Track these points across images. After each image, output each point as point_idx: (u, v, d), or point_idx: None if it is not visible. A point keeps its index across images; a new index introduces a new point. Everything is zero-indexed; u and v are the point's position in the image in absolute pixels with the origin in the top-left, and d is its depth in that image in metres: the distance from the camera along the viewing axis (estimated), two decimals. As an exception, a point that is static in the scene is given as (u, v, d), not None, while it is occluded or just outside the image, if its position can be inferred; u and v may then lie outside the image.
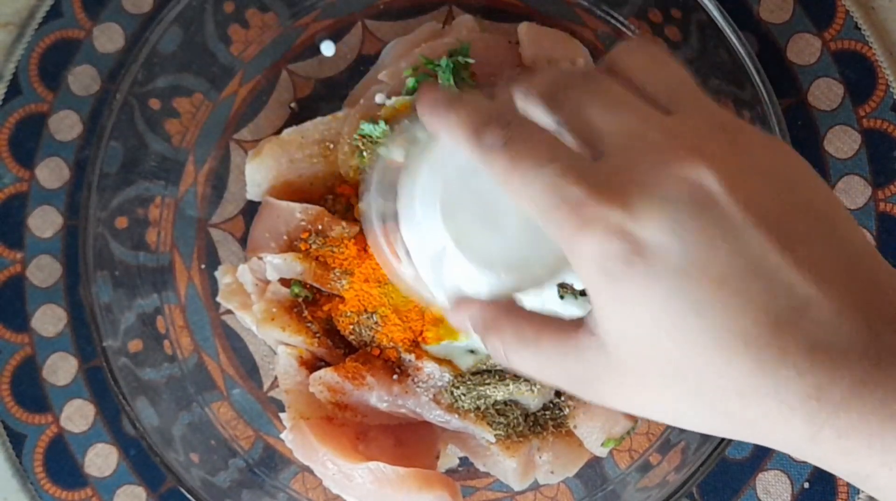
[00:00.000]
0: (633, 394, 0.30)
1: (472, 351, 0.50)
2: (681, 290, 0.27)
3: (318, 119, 0.52)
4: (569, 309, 0.49)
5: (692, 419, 0.30)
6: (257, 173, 0.52)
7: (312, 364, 0.50)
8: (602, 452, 0.50)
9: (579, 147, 0.29)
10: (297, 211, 0.50)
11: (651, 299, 0.28)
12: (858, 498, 0.53)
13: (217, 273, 0.53)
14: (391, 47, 0.54)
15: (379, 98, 0.51)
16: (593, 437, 0.50)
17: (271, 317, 0.50)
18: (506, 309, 0.34)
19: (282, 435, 0.49)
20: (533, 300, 0.38)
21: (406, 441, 0.49)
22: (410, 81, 0.50)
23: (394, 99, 0.49)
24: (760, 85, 0.46)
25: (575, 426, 0.50)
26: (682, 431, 0.50)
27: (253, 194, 0.53)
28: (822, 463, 0.29)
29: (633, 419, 0.50)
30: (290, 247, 0.50)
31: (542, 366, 0.32)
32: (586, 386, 0.32)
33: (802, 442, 0.28)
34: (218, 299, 0.52)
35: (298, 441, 0.47)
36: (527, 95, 0.31)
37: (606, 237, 0.27)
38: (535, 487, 0.52)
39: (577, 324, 0.31)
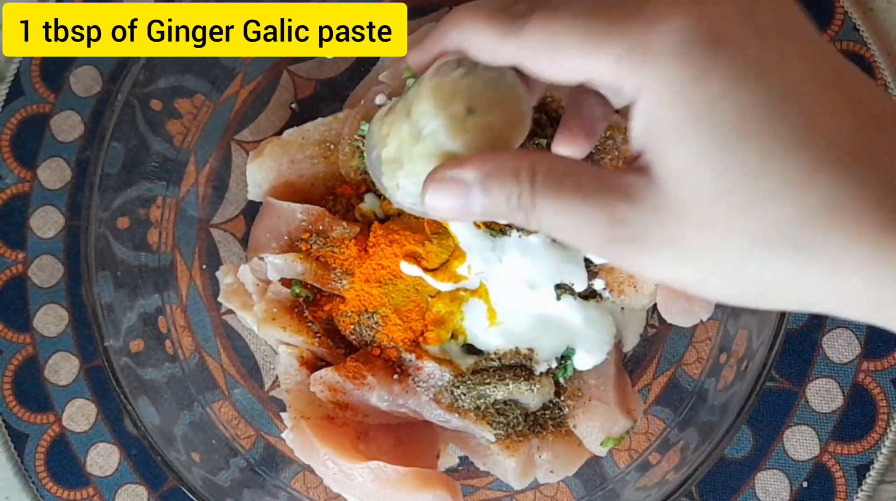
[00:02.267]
0: (685, 251, 0.27)
1: (471, 352, 0.50)
2: (765, 86, 0.25)
3: (319, 120, 0.52)
4: (569, 313, 0.50)
5: (752, 272, 0.26)
6: (258, 174, 0.52)
7: (313, 364, 0.51)
8: (601, 451, 0.50)
9: None
10: (298, 212, 0.50)
11: (736, 93, 0.25)
12: (857, 497, 0.53)
13: (218, 273, 0.53)
14: None
15: (379, 99, 0.51)
16: (592, 437, 0.50)
17: (272, 317, 0.50)
18: (535, 150, 0.31)
19: (283, 435, 0.49)
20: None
21: (406, 440, 0.49)
22: (410, 82, 0.50)
23: (394, 100, 0.49)
24: (759, 86, 0.46)
25: (574, 426, 0.50)
26: (681, 431, 0.50)
27: (254, 194, 0.53)
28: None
29: (633, 418, 0.50)
30: (291, 247, 0.51)
31: (577, 218, 0.28)
32: (628, 246, 0.27)
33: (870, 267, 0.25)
34: (219, 299, 0.52)
35: (299, 441, 0.48)
36: None
37: (687, 20, 0.25)
38: (535, 486, 0.52)
39: (624, 170, 0.28)
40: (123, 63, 0.56)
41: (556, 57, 0.28)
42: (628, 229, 0.27)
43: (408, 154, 0.34)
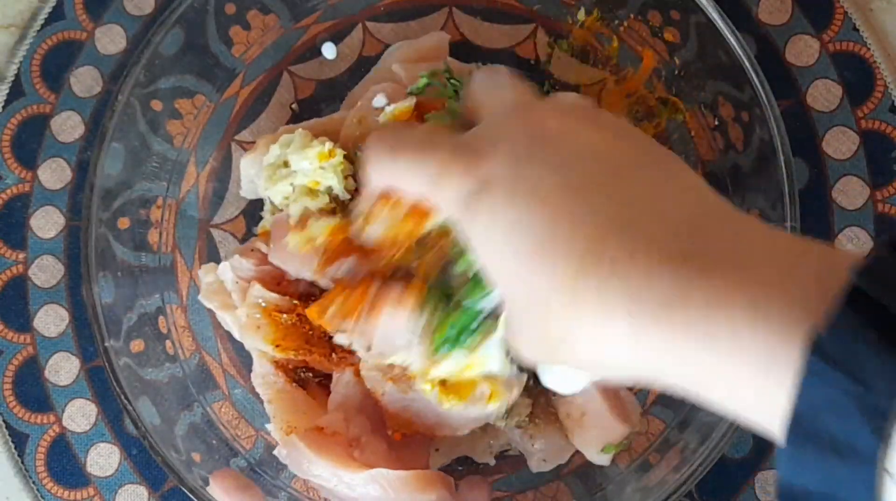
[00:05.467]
0: (516, 333, 0.34)
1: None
2: (515, 208, 0.31)
3: (315, 120, 0.52)
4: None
5: (536, 346, 0.33)
6: (251, 168, 0.52)
7: (287, 367, 0.50)
8: (604, 459, 0.50)
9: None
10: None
11: (498, 223, 0.31)
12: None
13: (200, 271, 0.52)
14: (394, 49, 0.54)
15: (377, 101, 0.50)
16: (591, 448, 0.49)
17: (256, 326, 0.49)
18: None
19: (275, 452, 0.48)
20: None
21: (398, 444, 0.49)
22: (422, 81, 0.50)
23: (393, 106, 0.49)
24: (759, 86, 0.46)
25: (572, 439, 0.50)
26: (681, 431, 0.50)
27: (247, 190, 0.53)
28: (650, 372, 0.30)
29: (630, 423, 0.49)
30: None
31: None
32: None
33: (627, 349, 0.29)
34: (199, 297, 0.52)
35: (294, 456, 0.47)
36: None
37: (461, 181, 0.33)
38: (535, 486, 0.52)
39: None
40: (124, 63, 0.56)
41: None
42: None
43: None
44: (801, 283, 0.27)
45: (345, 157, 0.49)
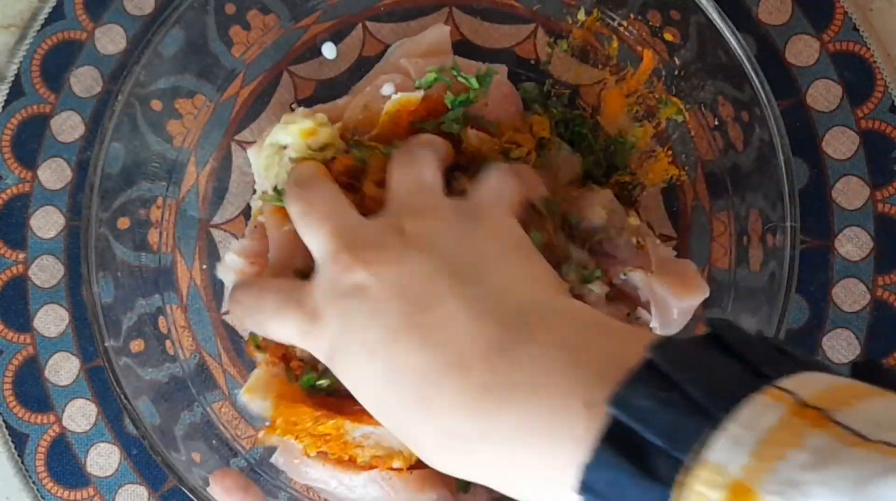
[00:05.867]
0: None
1: None
2: (355, 367, 0.38)
3: (319, 106, 0.52)
4: None
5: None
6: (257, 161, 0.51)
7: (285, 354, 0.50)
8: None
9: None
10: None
11: (350, 379, 0.38)
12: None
13: (218, 273, 0.53)
14: (397, 46, 0.54)
15: (386, 89, 0.50)
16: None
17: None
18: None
19: (272, 460, 0.49)
20: None
21: (370, 453, 0.49)
22: (430, 76, 0.49)
23: (401, 95, 0.49)
24: (759, 86, 0.46)
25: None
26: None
27: (260, 183, 0.52)
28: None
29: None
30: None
31: None
32: None
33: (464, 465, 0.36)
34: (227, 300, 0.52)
35: (292, 464, 0.47)
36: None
37: (315, 345, 0.40)
38: None
39: None
40: (124, 63, 0.56)
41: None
42: None
43: None
44: (572, 415, 0.31)
45: (342, 138, 0.49)
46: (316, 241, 0.41)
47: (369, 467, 0.46)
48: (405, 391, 0.35)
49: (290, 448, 0.46)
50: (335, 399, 0.47)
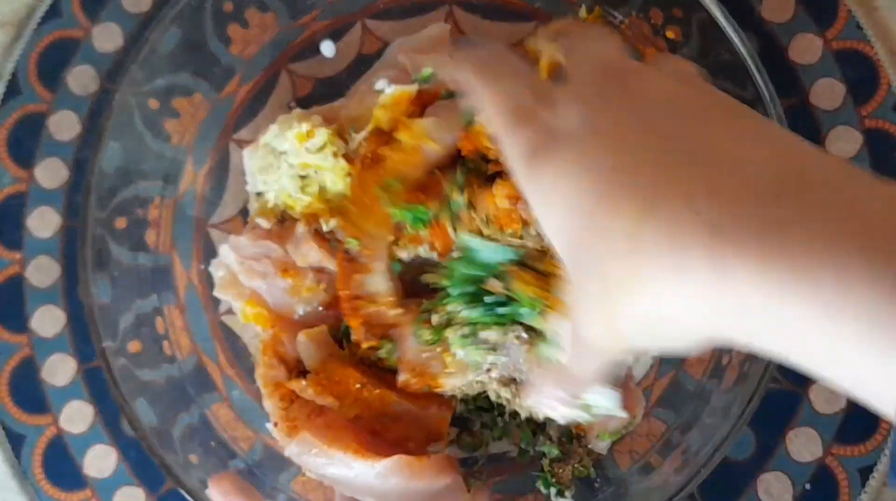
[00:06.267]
0: (577, 306, 0.31)
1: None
2: (583, 162, 0.29)
3: (316, 108, 0.52)
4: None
5: (597, 318, 0.30)
6: (255, 160, 0.51)
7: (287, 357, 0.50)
8: (602, 448, 0.50)
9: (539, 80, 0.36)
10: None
11: (561, 180, 0.29)
12: (860, 499, 0.53)
13: (211, 268, 0.52)
14: (396, 45, 0.53)
15: (380, 84, 0.50)
16: (590, 432, 0.49)
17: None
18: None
19: (286, 452, 0.47)
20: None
21: (397, 431, 0.49)
22: (427, 71, 0.49)
23: (395, 87, 0.48)
24: (762, 85, 0.46)
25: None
26: (683, 433, 0.49)
27: (252, 184, 0.52)
28: (729, 329, 0.26)
29: (631, 414, 0.49)
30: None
31: None
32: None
33: (703, 300, 0.26)
34: (215, 293, 0.52)
35: (307, 455, 0.46)
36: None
37: (534, 132, 0.31)
38: (536, 489, 0.52)
39: None
40: (121, 62, 0.56)
41: None
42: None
43: None
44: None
45: (340, 136, 0.49)
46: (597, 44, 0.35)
47: (393, 447, 0.46)
48: (646, 178, 0.27)
49: (306, 439, 0.46)
50: (379, 373, 0.48)
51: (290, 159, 0.48)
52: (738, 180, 0.26)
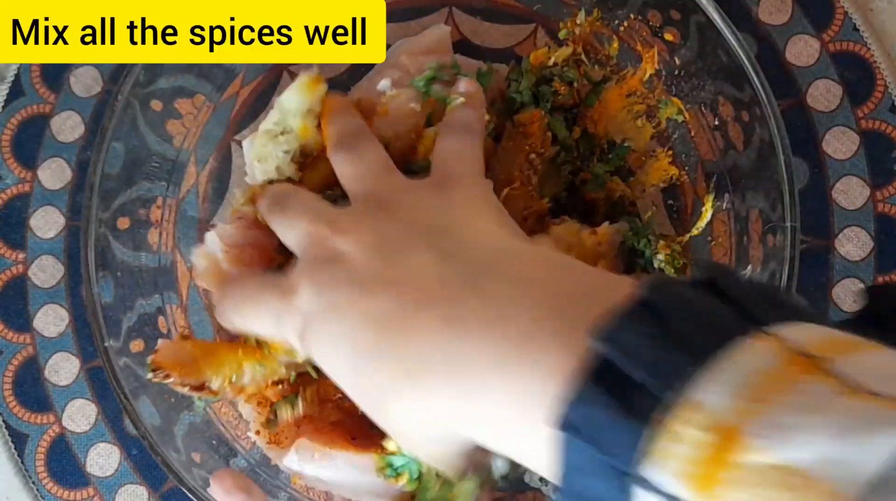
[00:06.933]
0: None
1: None
2: (321, 327, 0.37)
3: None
4: None
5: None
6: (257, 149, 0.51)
7: None
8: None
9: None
10: None
11: (324, 348, 0.37)
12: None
13: (193, 256, 0.51)
14: (397, 46, 0.54)
15: (382, 85, 0.50)
16: None
17: None
18: None
19: (285, 462, 0.48)
20: None
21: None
22: (428, 73, 0.49)
23: (395, 90, 0.48)
24: (759, 86, 0.46)
25: None
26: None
27: (252, 174, 0.52)
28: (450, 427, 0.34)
29: None
30: None
31: None
32: None
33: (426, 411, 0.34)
34: (194, 281, 0.51)
35: (309, 461, 0.46)
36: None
37: (291, 321, 0.38)
38: (537, 488, 0.52)
39: None
40: (124, 63, 0.56)
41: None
42: None
43: None
44: (545, 346, 0.30)
45: None
46: (295, 231, 0.40)
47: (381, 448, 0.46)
48: (365, 340, 0.35)
49: (305, 445, 0.46)
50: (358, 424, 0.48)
51: (293, 122, 0.47)
52: (420, 319, 0.34)
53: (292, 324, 0.38)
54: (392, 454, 0.44)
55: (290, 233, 0.41)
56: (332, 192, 0.45)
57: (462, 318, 0.32)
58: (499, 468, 0.39)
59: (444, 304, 0.33)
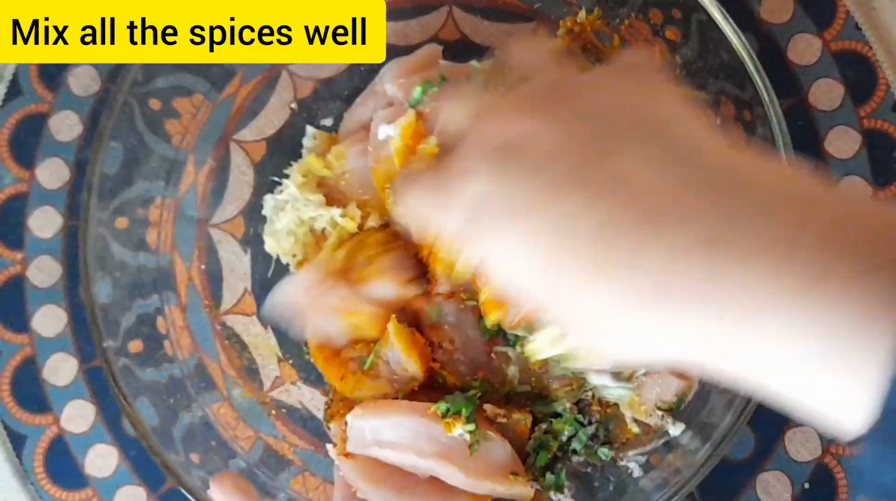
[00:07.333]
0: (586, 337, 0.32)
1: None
2: (501, 222, 0.31)
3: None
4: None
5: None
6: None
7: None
8: (669, 425, 0.50)
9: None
10: None
11: (497, 241, 0.31)
12: (859, 499, 0.53)
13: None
14: (387, 70, 0.53)
15: (381, 133, 0.49)
16: (650, 403, 0.50)
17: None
18: None
19: (350, 424, 0.47)
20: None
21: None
22: (418, 91, 0.49)
23: (397, 127, 0.48)
24: (761, 85, 0.46)
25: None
26: (682, 432, 0.50)
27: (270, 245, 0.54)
28: (707, 350, 0.28)
29: (688, 381, 0.49)
30: None
31: None
32: None
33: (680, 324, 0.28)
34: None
35: (365, 419, 0.47)
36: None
37: (454, 213, 0.32)
38: (538, 489, 0.52)
39: None
40: (122, 62, 0.56)
41: None
42: None
43: None
44: (854, 285, 0.25)
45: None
46: (466, 108, 0.35)
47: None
48: (572, 249, 0.29)
49: (358, 412, 0.47)
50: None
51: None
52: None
53: (455, 216, 0.32)
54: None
55: (457, 109, 0.36)
56: None
57: (724, 238, 0.27)
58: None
59: (695, 216, 0.28)
